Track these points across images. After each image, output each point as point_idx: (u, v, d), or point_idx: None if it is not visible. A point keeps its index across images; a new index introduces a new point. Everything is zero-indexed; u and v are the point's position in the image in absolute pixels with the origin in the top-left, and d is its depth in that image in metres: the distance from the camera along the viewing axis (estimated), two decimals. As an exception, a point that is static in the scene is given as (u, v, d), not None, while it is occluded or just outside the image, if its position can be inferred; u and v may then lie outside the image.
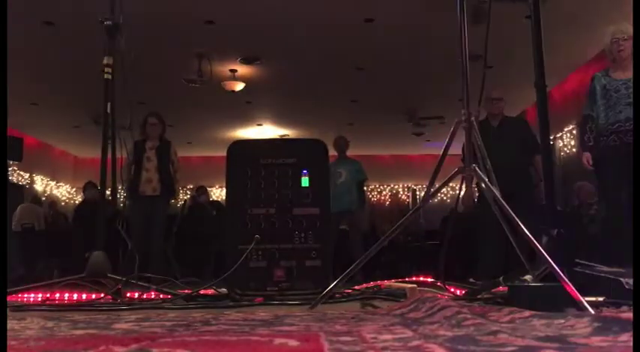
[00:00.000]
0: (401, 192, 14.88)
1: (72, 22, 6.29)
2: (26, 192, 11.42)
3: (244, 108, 10.08)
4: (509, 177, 3.42)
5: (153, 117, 5.49)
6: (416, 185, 14.48)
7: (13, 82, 8.14)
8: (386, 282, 2.85)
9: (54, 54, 7.41)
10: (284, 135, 12.27)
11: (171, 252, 6.68)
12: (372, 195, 14.67)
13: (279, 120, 11.23)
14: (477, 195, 4.75)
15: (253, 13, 6.23)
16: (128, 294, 2.62)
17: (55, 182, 13.24)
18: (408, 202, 14.47)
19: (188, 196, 11.06)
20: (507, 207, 1.88)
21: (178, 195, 5.89)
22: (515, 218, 1.81)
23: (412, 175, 14.15)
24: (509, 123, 4.97)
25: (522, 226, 1.75)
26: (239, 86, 8.35)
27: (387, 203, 14.73)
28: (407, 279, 2.93)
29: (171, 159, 5.52)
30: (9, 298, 2.40)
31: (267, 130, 11.91)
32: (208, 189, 10.18)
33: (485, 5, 5.32)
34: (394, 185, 14.82)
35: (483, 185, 2.02)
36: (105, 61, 2.71)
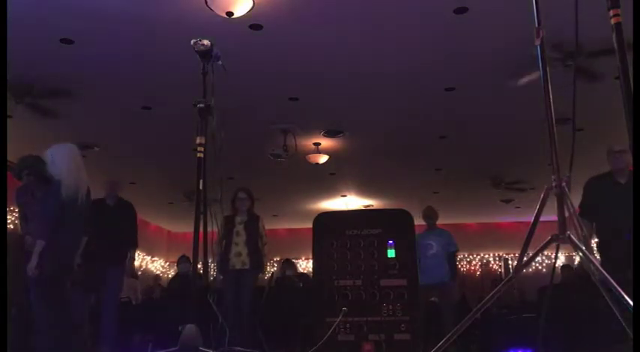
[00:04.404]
0: (492, 262, 14.31)
1: (167, 105, 6.74)
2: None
3: (328, 180, 10.23)
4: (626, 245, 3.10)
5: (242, 193, 5.68)
6: (507, 254, 13.90)
7: (114, 163, 8.77)
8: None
9: (150, 136, 7.93)
10: (368, 206, 12.27)
11: (259, 325, 6.69)
12: (462, 265, 14.21)
13: (364, 190, 11.28)
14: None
15: (335, 88, 6.43)
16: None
17: (150, 256, 13.81)
18: (500, 272, 13.86)
19: (275, 269, 11.15)
20: (608, 276, 1.76)
21: (266, 269, 5.92)
22: (618, 288, 1.69)
23: (503, 244, 13.64)
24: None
25: (627, 298, 1.62)
26: (323, 159, 8.52)
27: (478, 273, 14.18)
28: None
29: (259, 233, 5.65)
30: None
31: (351, 201, 11.97)
32: (294, 261, 10.24)
33: (571, 67, 5.24)
34: (484, 254, 14.30)
35: (581, 254, 1.91)
36: (197, 141, 2.87)
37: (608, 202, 4.17)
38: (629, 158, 4.29)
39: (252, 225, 5.62)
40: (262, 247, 5.63)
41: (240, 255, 5.47)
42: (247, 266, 5.44)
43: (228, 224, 5.51)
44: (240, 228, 5.55)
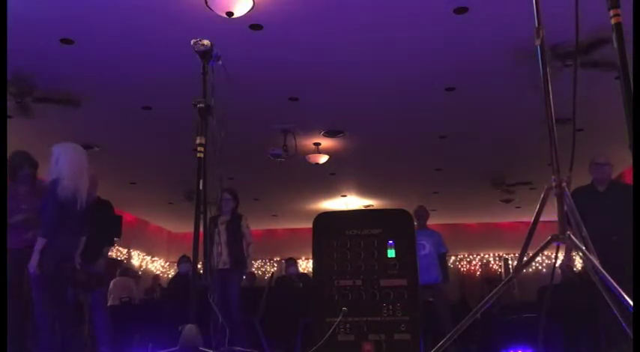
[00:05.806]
0: (492, 262, 14.31)
1: (167, 105, 6.74)
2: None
3: (328, 180, 10.23)
4: (612, 248, 3.18)
5: (227, 194, 5.73)
6: (507, 254, 13.90)
7: (115, 162, 8.77)
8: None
9: (150, 136, 7.93)
10: (368, 206, 12.27)
11: (259, 325, 6.69)
12: (462, 265, 14.21)
13: (364, 190, 11.28)
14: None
15: (335, 88, 6.43)
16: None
17: (150, 256, 13.81)
18: (500, 272, 13.86)
19: (275, 269, 11.15)
20: (608, 276, 1.76)
21: (249, 268, 5.94)
22: (618, 288, 1.69)
23: (503, 244, 13.65)
24: (617, 189, 4.63)
25: (627, 297, 1.63)
26: (323, 159, 8.53)
27: (478, 273, 14.18)
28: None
29: (242, 232, 5.70)
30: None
31: (351, 201, 11.98)
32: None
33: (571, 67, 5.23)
34: (484, 254, 14.30)
35: (580, 253, 1.91)
36: (198, 141, 2.86)
37: (589, 210, 4.27)
38: (609, 170, 4.64)
39: (234, 225, 5.68)
40: (246, 247, 5.68)
41: (220, 255, 5.53)
42: (228, 266, 5.51)
43: (213, 225, 5.55)
44: (222, 228, 5.61)
